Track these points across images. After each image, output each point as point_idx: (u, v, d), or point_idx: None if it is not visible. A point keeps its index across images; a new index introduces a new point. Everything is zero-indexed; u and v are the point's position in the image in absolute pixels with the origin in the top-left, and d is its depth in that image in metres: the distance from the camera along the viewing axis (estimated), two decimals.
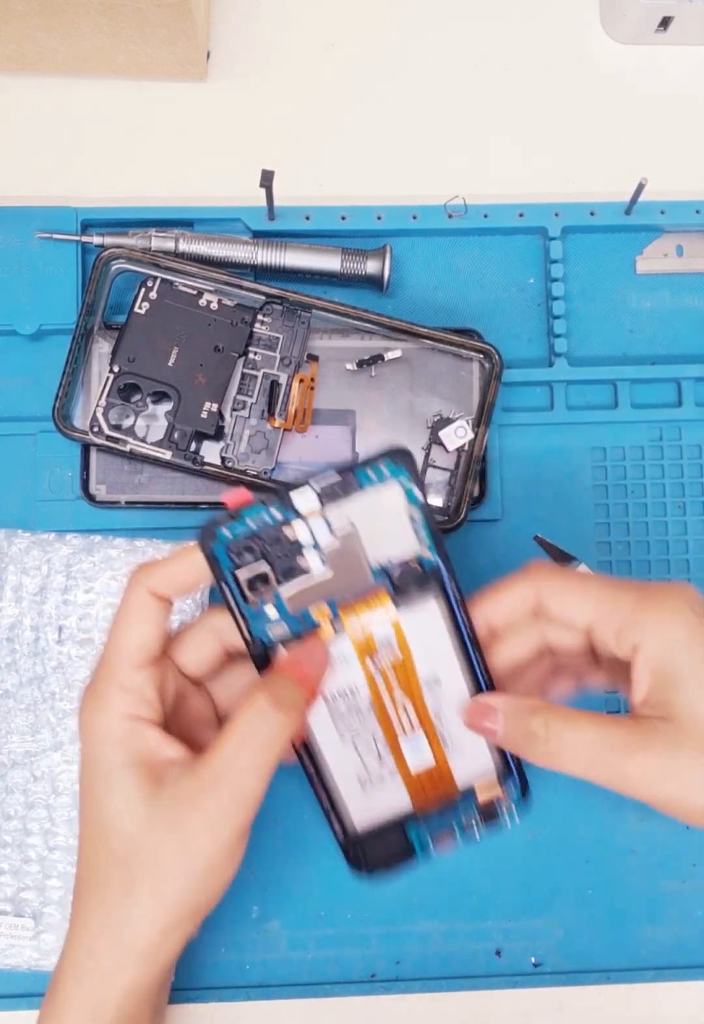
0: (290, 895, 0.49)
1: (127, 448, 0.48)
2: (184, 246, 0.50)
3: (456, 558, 0.50)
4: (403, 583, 0.41)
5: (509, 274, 0.53)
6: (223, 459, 0.49)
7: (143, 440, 0.49)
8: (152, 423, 0.49)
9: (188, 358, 0.49)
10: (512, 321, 0.53)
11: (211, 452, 0.49)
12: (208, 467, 0.49)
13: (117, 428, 0.49)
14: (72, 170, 0.53)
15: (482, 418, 0.49)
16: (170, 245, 0.50)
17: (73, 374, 0.49)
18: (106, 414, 0.49)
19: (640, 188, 0.50)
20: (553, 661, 0.44)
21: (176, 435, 0.49)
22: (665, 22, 0.54)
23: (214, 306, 0.49)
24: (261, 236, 0.51)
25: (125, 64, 0.53)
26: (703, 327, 0.53)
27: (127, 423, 0.49)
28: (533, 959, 0.49)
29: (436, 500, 0.50)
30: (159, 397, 0.49)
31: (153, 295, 0.49)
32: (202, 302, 0.49)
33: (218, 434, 0.49)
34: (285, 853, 0.49)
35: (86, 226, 0.51)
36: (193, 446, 0.49)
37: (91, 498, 0.50)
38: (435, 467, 0.50)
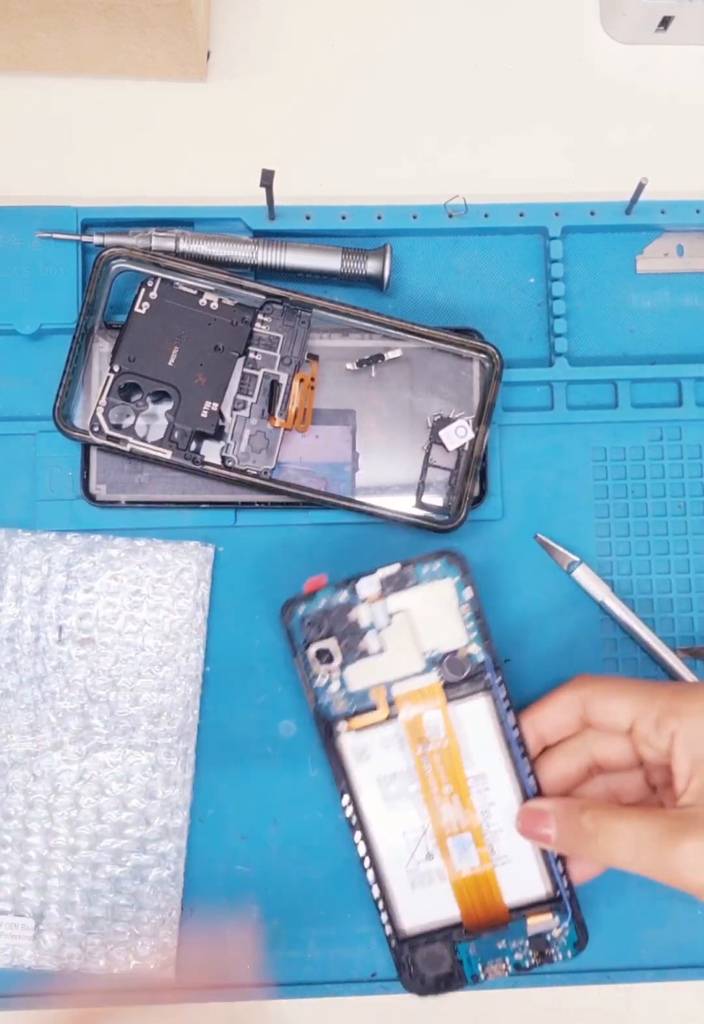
0: (290, 895, 0.49)
1: (127, 448, 0.48)
2: (184, 246, 0.50)
3: None
4: (453, 674, 0.45)
5: (509, 274, 0.53)
6: (223, 458, 0.49)
7: (143, 439, 0.49)
8: (152, 423, 0.49)
9: (188, 357, 0.49)
10: (512, 321, 0.53)
11: (212, 452, 0.49)
12: (208, 467, 0.49)
13: (117, 428, 0.49)
14: (72, 170, 0.53)
15: (482, 418, 0.49)
16: (170, 245, 0.50)
17: (73, 374, 0.49)
18: (106, 414, 0.49)
19: (640, 188, 0.50)
20: (607, 787, 0.45)
21: (176, 434, 0.49)
22: (665, 22, 0.54)
23: (214, 306, 0.49)
24: (261, 236, 0.51)
25: (125, 64, 0.53)
26: (703, 327, 0.53)
27: (127, 422, 0.49)
28: None
29: (436, 500, 0.50)
30: (159, 397, 0.49)
31: (153, 295, 0.49)
32: (202, 302, 0.49)
33: (218, 434, 0.49)
34: (285, 853, 0.49)
35: (86, 226, 0.51)
36: (193, 445, 0.49)
37: (91, 498, 0.50)
38: (435, 467, 0.50)
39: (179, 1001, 0.48)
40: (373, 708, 0.45)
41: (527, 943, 0.45)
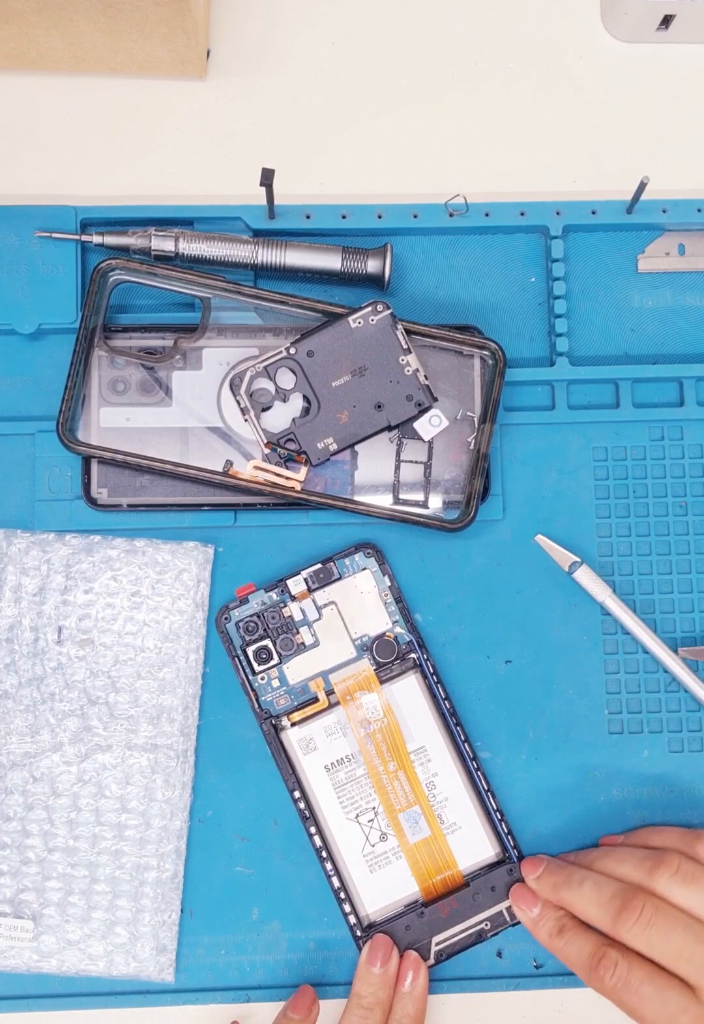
0: (290, 896, 0.49)
1: (136, 461, 0.48)
2: (184, 245, 0.50)
3: (457, 558, 0.50)
4: (383, 656, 0.48)
5: (510, 273, 0.53)
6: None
7: (258, 420, 0.48)
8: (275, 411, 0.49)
9: (350, 394, 0.49)
10: (513, 320, 0.52)
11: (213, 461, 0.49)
12: (240, 479, 0.49)
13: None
14: (71, 168, 0.53)
15: (488, 415, 0.49)
16: (169, 244, 0.50)
17: (75, 388, 0.49)
18: (251, 382, 0.49)
19: (642, 186, 0.50)
20: None
21: (284, 440, 0.49)
22: (666, 21, 0.54)
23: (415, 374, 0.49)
24: (261, 235, 0.51)
25: (124, 62, 0.53)
26: None
27: (263, 397, 0.49)
28: (534, 961, 0.49)
29: (437, 499, 0.50)
30: (304, 401, 0.49)
31: (372, 320, 0.49)
32: (407, 370, 0.49)
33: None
34: (285, 854, 0.49)
35: (85, 225, 0.51)
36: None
37: (93, 502, 0.50)
38: (408, 462, 0.50)
39: (179, 1003, 0.48)
40: (314, 699, 0.48)
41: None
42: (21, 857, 0.48)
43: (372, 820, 0.48)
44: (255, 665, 0.48)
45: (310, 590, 0.48)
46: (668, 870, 0.43)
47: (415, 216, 0.52)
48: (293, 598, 0.48)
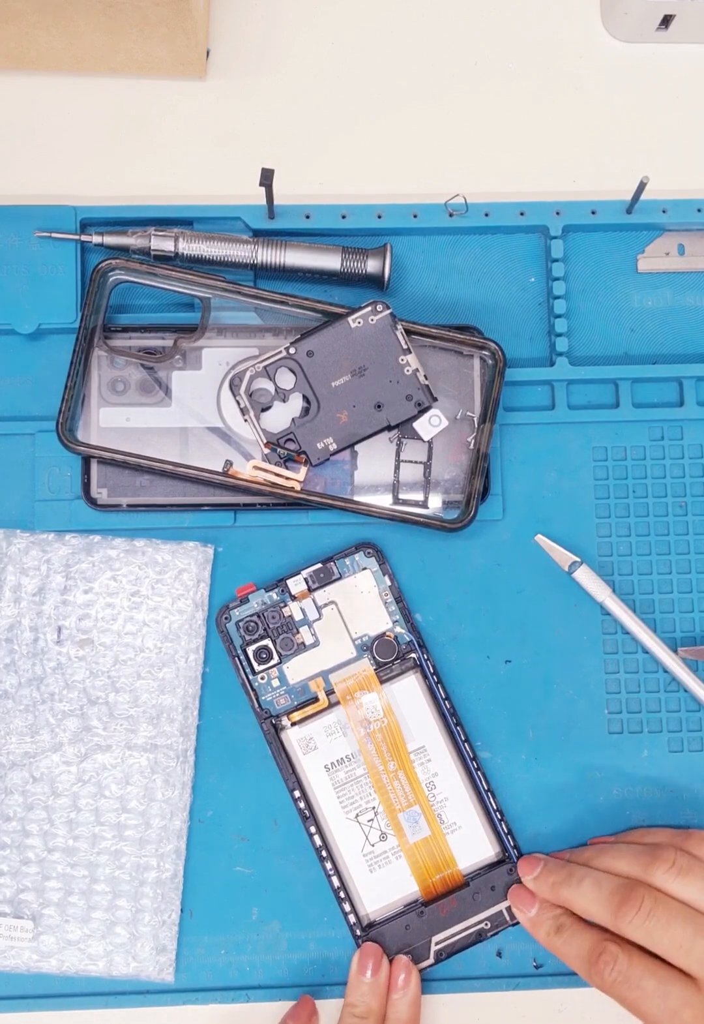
0: (290, 896, 0.49)
1: (136, 461, 0.48)
2: (183, 245, 0.50)
3: (457, 558, 0.50)
4: (383, 656, 0.48)
5: (510, 273, 0.53)
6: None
7: (259, 420, 0.48)
8: (276, 411, 0.49)
9: (350, 394, 0.49)
10: (513, 320, 0.52)
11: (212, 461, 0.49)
12: (240, 479, 0.48)
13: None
14: (71, 168, 0.53)
15: (488, 415, 0.49)
16: (169, 244, 0.50)
17: (75, 388, 0.49)
18: (251, 383, 0.49)
19: (641, 186, 0.50)
20: None
21: (284, 440, 0.49)
22: (666, 21, 0.54)
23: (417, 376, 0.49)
24: (261, 235, 0.51)
25: (124, 62, 0.53)
26: None
27: (263, 398, 0.49)
28: (534, 961, 0.49)
29: (437, 499, 0.50)
30: (304, 400, 0.49)
31: (372, 320, 0.49)
32: (407, 370, 0.49)
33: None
34: (284, 854, 0.49)
35: (85, 225, 0.51)
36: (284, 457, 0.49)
37: (93, 502, 0.50)
38: (408, 462, 0.50)
39: (178, 1003, 0.48)
40: (314, 699, 0.48)
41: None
42: (21, 857, 0.48)
43: (372, 820, 0.48)
44: (255, 665, 0.48)
45: (310, 590, 0.48)
46: (665, 864, 0.43)
47: (415, 216, 0.52)
48: (293, 598, 0.48)
